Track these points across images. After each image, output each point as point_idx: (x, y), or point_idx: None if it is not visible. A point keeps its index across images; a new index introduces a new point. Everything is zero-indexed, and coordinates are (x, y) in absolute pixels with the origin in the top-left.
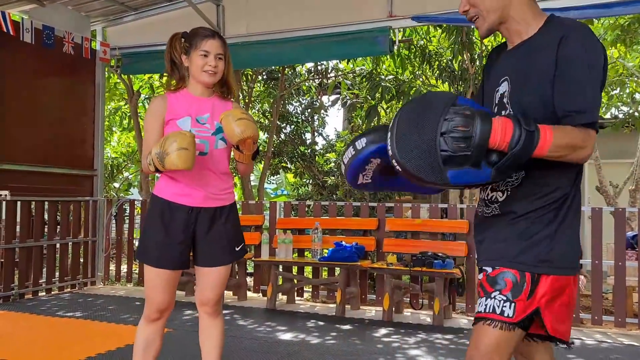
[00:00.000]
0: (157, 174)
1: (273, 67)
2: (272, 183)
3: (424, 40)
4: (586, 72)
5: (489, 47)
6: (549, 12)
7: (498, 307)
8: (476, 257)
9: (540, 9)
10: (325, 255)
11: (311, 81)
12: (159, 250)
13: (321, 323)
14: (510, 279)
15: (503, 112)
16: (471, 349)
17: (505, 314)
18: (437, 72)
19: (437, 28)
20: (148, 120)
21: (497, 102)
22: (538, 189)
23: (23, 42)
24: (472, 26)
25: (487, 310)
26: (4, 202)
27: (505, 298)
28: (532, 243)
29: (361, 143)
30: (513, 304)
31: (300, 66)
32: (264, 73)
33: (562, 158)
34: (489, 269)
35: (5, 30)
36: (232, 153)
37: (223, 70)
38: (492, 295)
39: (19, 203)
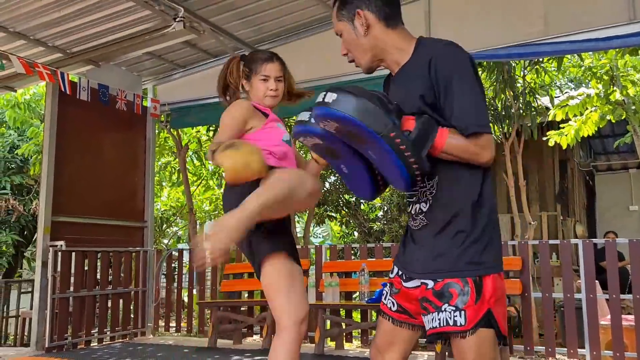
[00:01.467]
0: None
1: None
2: (319, 237)
3: None
4: (461, 87)
5: (532, 84)
6: (592, 42)
7: (450, 318)
8: (403, 268)
9: (410, 34)
10: (373, 297)
11: None
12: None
13: None
14: (454, 289)
15: None
16: None
17: (458, 324)
18: None
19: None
20: (231, 119)
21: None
22: (455, 193)
23: (80, 99)
24: (513, 63)
25: (441, 325)
26: (59, 253)
27: (454, 308)
28: (465, 248)
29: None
30: (463, 312)
31: None
32: None
33: (461, 159)
34: (431, 283)
35: (62, 89)
36: None
37: (283, 91)
38: (443, 309)
39: (73, 254)
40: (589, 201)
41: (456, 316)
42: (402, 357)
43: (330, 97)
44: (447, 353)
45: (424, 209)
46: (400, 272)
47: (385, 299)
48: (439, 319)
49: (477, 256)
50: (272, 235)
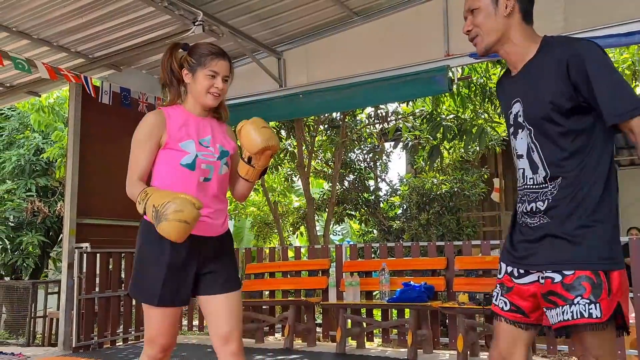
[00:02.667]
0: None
1: (334, 116)
2: (338, 234)
3: (484, 78)
4: (603, 78)
5: None
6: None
7: (585, 311)
8: (517, 264)
9: (534, 31)
10: (394, 296)
11: (372, 127)
12: (160, 287)
13: None
14: (587, 282)
15: (520, 131)
16: (585, 354)
17: (594, 316)
18: (500, 108)
19: (496, 65)
20: (140, 137)
21: (512, 122)
22: (577, 191)
23: (103, 103)
24: None
25: (574, 317)
26: (84, 255)
27: (588, 301)
28: (594, 243)
29: None
30: (598, 304)
31: (361, 113)
32: (325, 122)
33: None
34: (558, 277)
35: (88, 91)
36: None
37: (226, 92)
38: (575, 302)
39: (98, 255)
40: None
41: (591, 309)
42: (524, 359)
43: None
44: (468, 352)
45: (542, 208)
46: (510, 270)
47: (496, 300)
48: (572, 312)
49: (607, 251)
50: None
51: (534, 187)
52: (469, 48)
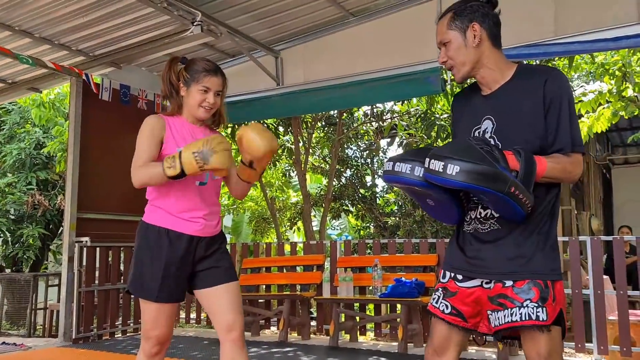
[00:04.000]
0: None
1: (331, 114)
2: (336, 229)
3: None
4: (567, 109)
5: None
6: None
7: (533, 313)
8: (463, 269)
9: (504, 55)
10: (386, 292)
11: (368, 125)
12: (158, 283)
13: (384, 359)
14: (537, 288)
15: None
16: (536, 357)
17: (541, 319)
18: None
19: None
20: (144, 136)
21: (475, 136)
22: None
23: (103, 100)
24: (525, 62)
25: (522, 319)
26: (84, 248)
27: (536, 305)
28: (546, 253)
29: (417, 170)
30: (545, 309)
31: (357, 111)
32: (322, 119)
33: (556, 179)
34: (509, 281)
35: (88, 88)
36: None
37: (219, 106)
38: (525, 305)
39: (97, 249)
40: (606, 195)
41: (539, 312)
42: (457, 358)
43: (453, 169)
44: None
45: (496, 215)
46: (454, 275)
47: (437, 302)
48: (521, 314)
49: (553, 263)
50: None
51: None
52: None
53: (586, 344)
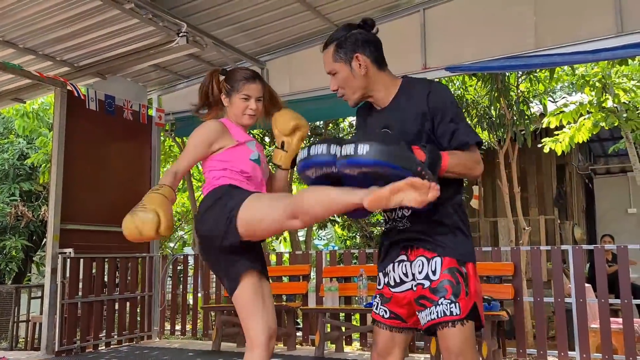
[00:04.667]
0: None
1: (317, 124)
2: (323, 239)
3: (461, 89)
4: (455, 112)
5: (525, 93)
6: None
7: (447, 310)
8: (383, 268)
9: (392, 73)
10: (371, 302)
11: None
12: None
13: None
14: (449, 285)
15: None
16: (447, 354)
17: (454, 313)
18: (476, 119)
19: (473, 77)
20: (199, 140)
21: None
22: (434, 203)
23: (88, 110)
24: (507, 73)
25: (439, 316)
26: (68, 260)
27: (449, 301)
28: (454, 241)
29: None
30: (457, 304)
31: (343, 121)
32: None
33: (460, 175)
34: (427, 282)
35: (73, 98)
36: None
37: (262, 110)
38: (439, 302)
39: (81, 260)
40: (588, 204)
41: (452, 307)
42: (401, 359)
43: (363, 148)
44: (442, 356)
45: (406, 214)
46: (387, 280)
47: (377, 308)
48: (437, 312)
49: (463, 247)
50: (244, 254)
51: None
52: (446, 61)
53: (569, 352)
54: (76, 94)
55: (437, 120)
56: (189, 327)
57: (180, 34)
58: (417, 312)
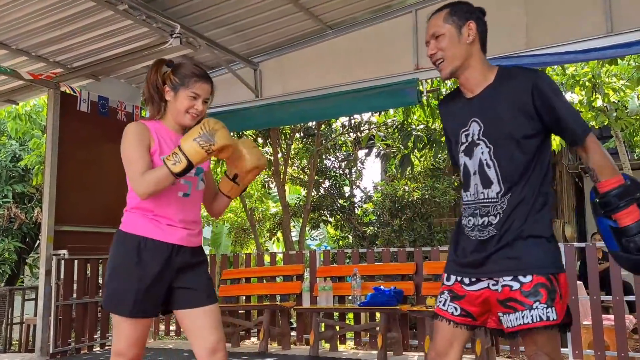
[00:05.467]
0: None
1: (309, 125)
2: (315, 239)
3: (452, 89)
4: (563, 105)
5: None
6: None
7: (543, 314)
8: (468, 273)
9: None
10: (365, 300)
11: (346, 135)
12: (133, 298)
13: None
14: (544, 289)
15: (475, 148)
16: (536, 353)
17: (551, 319)
18: None
19: None
20: (133, 144)
21: (465, 140)
22: (525, 206)
23: (80, 111)
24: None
25: (533, 320)
26: (62, 261)
27: (545, 306)
28: (543, 252)
29: None
30: (554, 309)
31: (335, 122)
32: (301, 131)
33: None
34: (517, 284)
35: (66, 100)
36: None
37: (205, 113)
38: (534, 307)
39: (76, 262)
40: (579, 202)
41: (549, 312)
42: (459, 358)
43: None
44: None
45: (493, 222)
46: (459, 278)
47: (444, 305)
48: (532, 316)
49: (553, 256)
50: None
51: (486, 201)
52: None
53: (562, 349)
54: (73, 94)
55: (544, 111)
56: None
57: (174, 35)
58: (500, 314)
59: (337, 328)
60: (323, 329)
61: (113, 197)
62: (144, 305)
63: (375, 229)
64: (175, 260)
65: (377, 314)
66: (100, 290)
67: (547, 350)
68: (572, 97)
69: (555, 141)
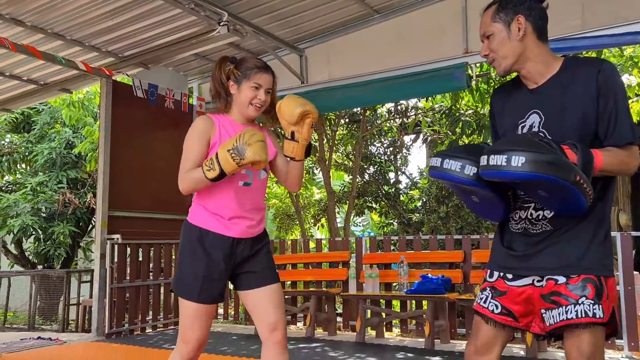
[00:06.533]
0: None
1: (355, 110)
2: (359, 225)
3: None
4: (622, 102)
5: None
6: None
7: (589, 310)
8: (513, 268)
9: (550, 50)
10: (412, 288)
11: (392, 121)
12: (201, 284)
13: (411, 355)
14: (592, 284)
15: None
16: (577, 357)
17: (597, 316)
18: None
19: None
20: (192, 138)
21: (520, 132)
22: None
23: (131, 99)
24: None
25: (578, 316)
26: (116, 246)
27: (592, 302)
28: (596, 250)
29: (470, 169)
30: (600, 306)
31: (381, 107)
32: (346, 117)
33: (613, 172)
34: (562, 279)
35: (119, 88)
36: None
37: (268, 104)
38: (580, 302)
39: (128, 246)
40: (634, 189)
41: (595, 309)
42: (499, 358)
43: (518, 160)
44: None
45: (548, 216)
46: (503, 274)
47: (485, 302)
48: (577, 311)
49: (605, 259)
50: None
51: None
52: None
53: (616, 341)
54: (126, 80)
55: (601, 106)
56: (230, 311)
57: (222, 23)
58: (543, 311)
59: (384, 315)
60: (369, 316)
61: (162, 183)
62: (209, 292)
63: (421, 215)
64: (236, 252)
65: (424, 302)
66: (152, 274)
67: (589, 355)
68: (630, 79)
69: None
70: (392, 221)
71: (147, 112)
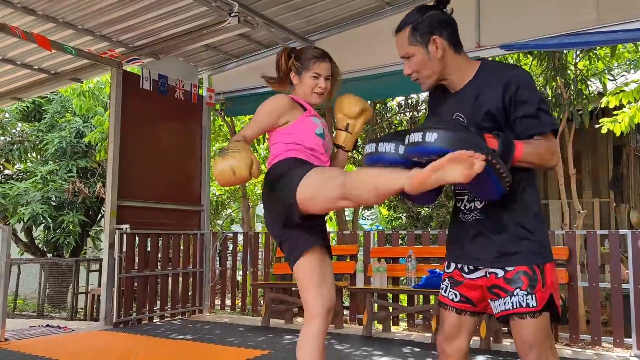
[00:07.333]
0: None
1: None
2: (368, 219)
3: None
4: (534, 96)
5: (584, 71)
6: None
7: (523, 301)
8: (464, 261)
9: (466, 55)
10: (420, 283)
11: (402, 115)
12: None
13: (417, 349)
14: (525, 277)
15: None
16: (520, 343)
17: (531, 305)
18: None
19: (528, 55)
20: (261, 113)
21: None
22: (510, 192)
23: (142, 90)
24: (565, 51)
25: (514, 307)
26: (124, 235)
27: (526, 292)
28: (528, 240)
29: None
30: (534, 295)
31: (391, 101)
32: None
33: (534, 165)
34: (501, 272)
35: (129, 78)
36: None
37: (330, 90)
38: (515, 293)
39: (137, 236)
40: None
41: (529, 299)
42: (468, 343)
43: (431, 136)
44: (492, 338)
45: (479, 206)
46: (459, 266)
47: (445, 292)
48: (512, 302)
49: (538, 247)
50: (307, 230)
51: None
52: (500, 39)
53: (625, 339)
54: (137, 67)
55: (514, 105)
56: (237, 302)
57: (232, 14)
58: (489, 300)
59: (391, 309)
60: (376, 310)
61: (171, 173)
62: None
63: (430, 210)
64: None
65: (432, 297)
66: (160, 264)
67: (531, 340)
68: None
69: (625, 123)
70: (400, 215)
71: (157, 103)
